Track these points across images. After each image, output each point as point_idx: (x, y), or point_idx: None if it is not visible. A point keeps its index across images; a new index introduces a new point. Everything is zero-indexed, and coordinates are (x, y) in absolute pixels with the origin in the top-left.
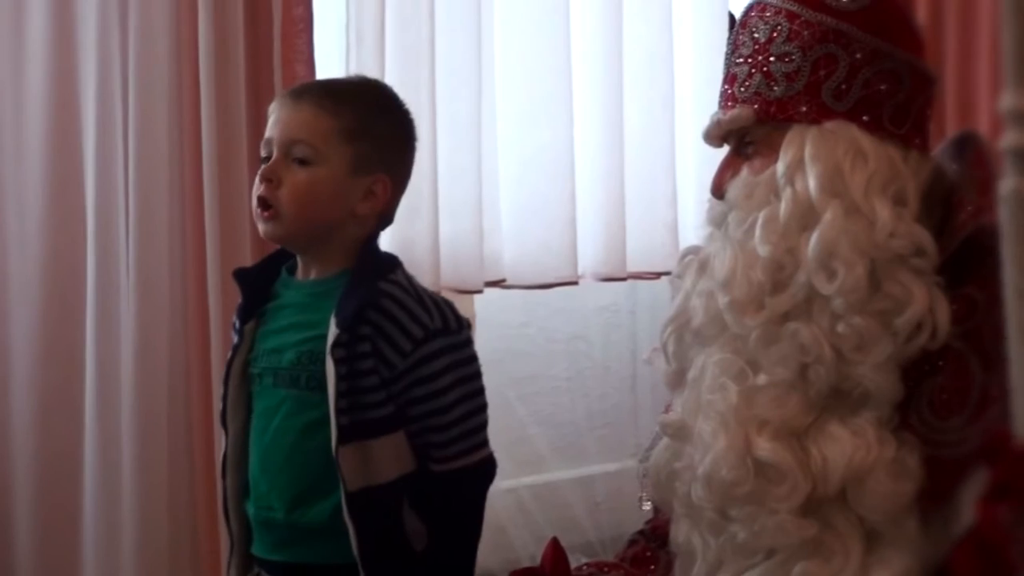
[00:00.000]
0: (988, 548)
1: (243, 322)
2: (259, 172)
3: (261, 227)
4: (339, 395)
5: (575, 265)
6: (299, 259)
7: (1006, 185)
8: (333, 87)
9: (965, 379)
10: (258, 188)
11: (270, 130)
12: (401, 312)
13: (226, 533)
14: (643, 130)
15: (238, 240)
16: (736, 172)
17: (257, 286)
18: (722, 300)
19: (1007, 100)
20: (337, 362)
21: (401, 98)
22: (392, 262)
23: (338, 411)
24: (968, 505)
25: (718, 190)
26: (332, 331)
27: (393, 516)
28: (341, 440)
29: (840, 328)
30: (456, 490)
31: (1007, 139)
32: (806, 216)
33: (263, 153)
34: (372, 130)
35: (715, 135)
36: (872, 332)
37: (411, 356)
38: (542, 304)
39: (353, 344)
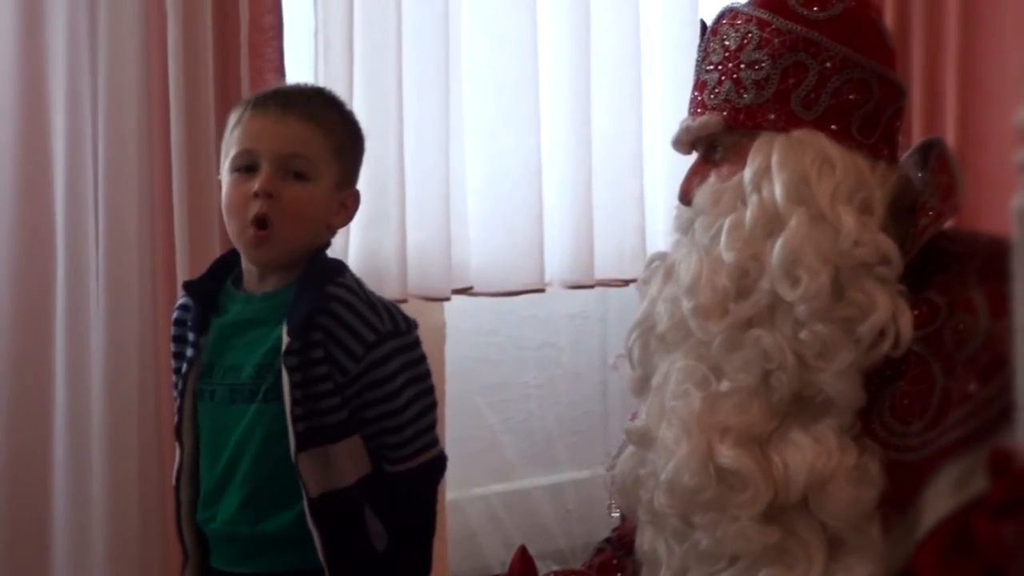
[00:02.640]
0: (966, 557)
1: (198, 334)
2: (246, 187)
3: (253, 252)
4: (294, 402)
5: (542, 272)
6: (250, 270)
7: (1018, 201)
8: (318, 98)
9: (926, 384)
10: (252, 205)
11: (251, 141)
12: (352, 316)
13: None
14: (611, 135)
15: (207, 246)
16: (704, 178)
17: (209, 298)
18: (686, 305)
19: (1021, 115)
20: (291, 370)
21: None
22: (339, 266)
23: (294, 418)
24: (930, 509)
25: (686, 196)
26: (284, 339)
27: (355, 519)
28: (299, 447)
29: (803, 335)
30: (413, 488)
31: (1021, 154)
32: (771, 223)
33: (239, 163)
34: (354, 146)
35: (684, 141)
36: (835, 339)
37: (364, 360)
38: (512, 311)
39: (306, 351)
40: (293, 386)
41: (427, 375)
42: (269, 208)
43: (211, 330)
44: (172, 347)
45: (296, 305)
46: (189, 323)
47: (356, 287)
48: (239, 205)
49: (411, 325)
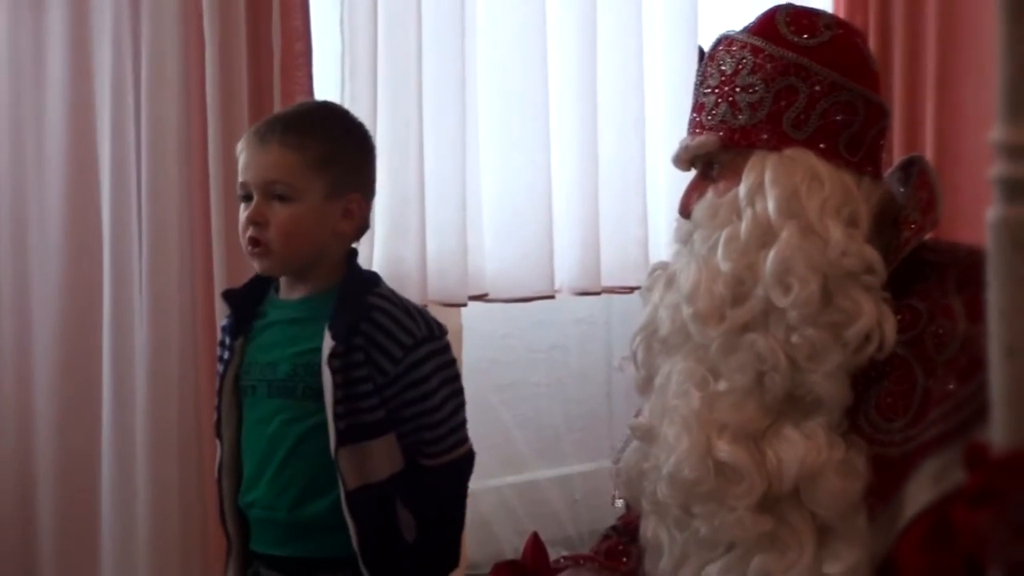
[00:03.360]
0: (945, 545)
1: (233, 338)
2: (245, 215)
3: (256, 264)
4: (336, 402)
5: (552, 280)
6: (283, 279)
7: (993, 213)
8: (292, 122)
9: (908, 383)
10: (246, 230)
11: (243, 173)
12: (391, 323)
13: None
14: (616, 155)
15: (241, 257)
16: (702, 194)
17: (245, 305)
18: (687, 311)
19: (996, 134)
20: (334, 372)
21: (353, 114)
22: (374, 277)
23: (336, 416)
24: (912, 500)
25: (685, 210)
26: (327, 343)
27: (388, 510)
28: (340, 443)
29: (794, 339)
30: (446, 481)
31: (995, 170)
32: (765, 235)
33: (240, 193)
34: (338, 156)
35: (683, 159)
36: (824, 343)
37: (403, 362)
38: (523, 316)
39: (348, 354)
40: (336, 387)
41: (458, 376)
42: (258, 233)
43: (252, 332)
44: (217, 351)
45: (338, 312)
46: (227, 329)
47: (393, 296)
48: (243, 230)
49: (443, 330)
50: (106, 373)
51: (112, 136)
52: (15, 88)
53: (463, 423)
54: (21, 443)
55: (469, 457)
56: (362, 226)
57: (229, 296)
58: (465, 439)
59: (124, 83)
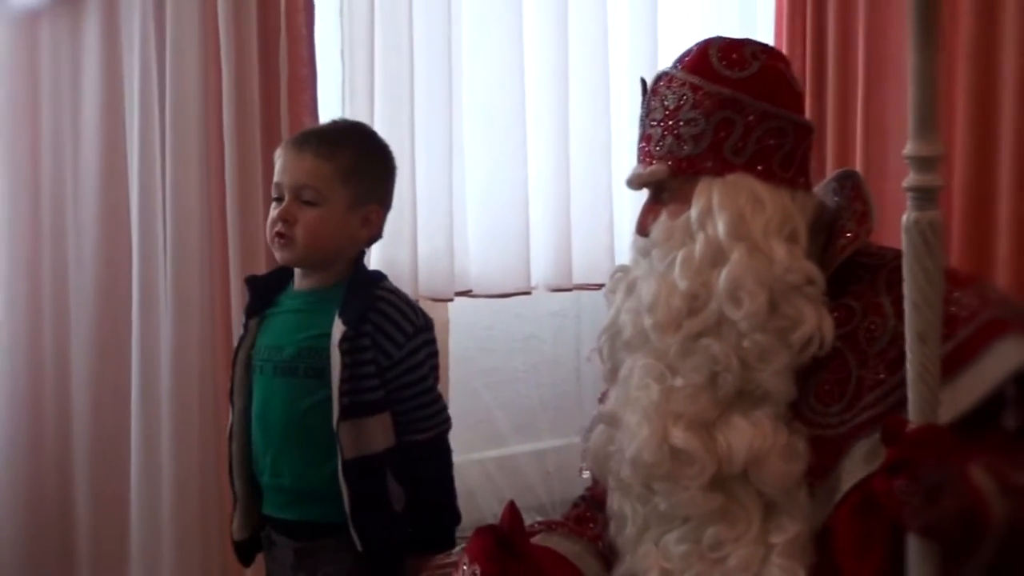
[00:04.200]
0: (872, 514)
1: (248, 318)
2: (275, 212)
3: (277, 254)
4: (342, 380)
5: (529, 278)
6: (296, 272)
7: (907, 217)
8: (327, 136)
9: (844, 373)
10: (275, 226)
11: (278, 175)
12: (396, 313)
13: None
14: (585, 171)
15: (254, 252)
16: (656, 216)
17: (265, 292)
18: (647, 321)
19: (909, 147)
20: (343, 353)
21: (380, 136)
22: (379, 275)
23: (341, 393)
24: (846, 476)
25: (643, 230)
26: (338, 329)
27: (379, 481)
28: (342, 417)
29: (745, 343)
30: (435, 452)
31: (908, 180)
32: (716, 256)
33: (274, 194)
34: (363, 170)
35: (636, 184)
36: (771, 346)
37: (404, 348)
38: (504, 310)
39: (356, 339)
40: (343, 367)
41: (438, 360)
42: (286, 229)
43: (266, 318)
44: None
45: (348, 302)
46: (246, 309)
47: (396, 291)
48: (271, 225)
49: (432, 322)
50: (135, 354)
51: (140, 148)
52: (55, 106)
53: (443, 401)
54: (61, 416)
55: (448, 429)
56: (376, 235)
57: (250, 281)
58: (448, 416)
59: (151, 103)
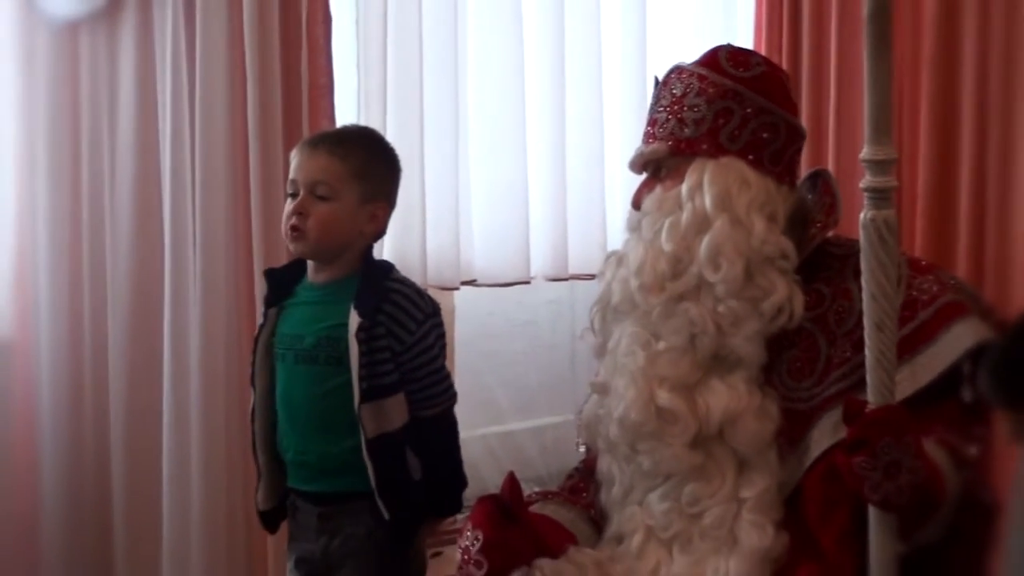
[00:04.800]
0: (838, 480)
1: (267, 307)
2: (291, 206)
3: (291, 246)
4: (361, 367)
5: (528, 269)
6: (311, 265)
7: (863, 215)
8: (340, 138)
9: (813, 352)
10: (290, 219)
11: (294, 172)
12: (407, 303)
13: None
14: (580, 172)
15: (276, 247)
16: (651, 190)
17: (282, 283)
18: (634, 283)
19: (865, 152)
20: (360, 342)
21: (388, 141)
22: (389, 266)
23: (360, 379)
24: (815, 445)
25: (637, 202)
26: (355, 320)
27: (399, 454)
28: (362, 400)
29: (721, 308)
30: (445, 424)
31: (864, 181)
32: (701, 224)
33: (289, 190)
34: (373, 170)
35: (638, 164)
36: (744, 312)
37: (416, 334)
38: (505, 298)
39: (372, 328)
40: (361, 355)
41: (445, 340)
42: (300, 222)
43: (285, 308)
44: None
45: (362, 295)
46: (265, 300)
47: (405, 280)
48: (286, 218)
49: (438, 307)
50: (166, 339)
51: (172, 149)
52: (94, 112)
53: (451, 379)
54: (99, 394)
55: (454, 403)
56: (381, 231)
57: (268, 274)
58: (454, 392)
59: (181, 109)
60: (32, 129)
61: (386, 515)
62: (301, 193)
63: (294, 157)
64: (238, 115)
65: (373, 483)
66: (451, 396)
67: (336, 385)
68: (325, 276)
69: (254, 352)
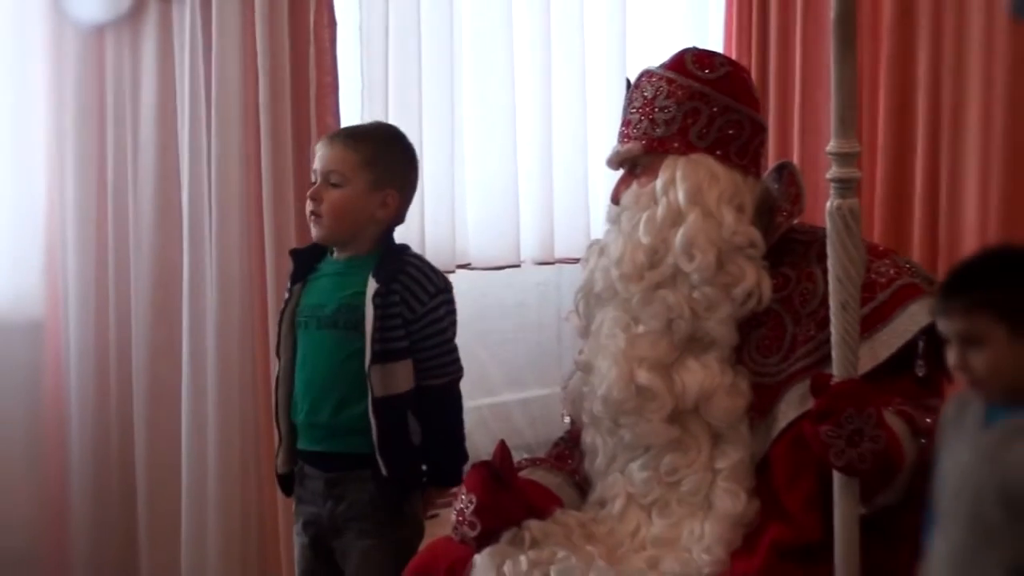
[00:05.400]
0: (804, 448)
1: (292, 284)
2: (308, 194)
3: (312, 230)
4: (374, 330)
5: (518, 254)
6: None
7: (829, 204)
8: (355, 132)
9: (780, 331)
10: (308, 205)
11: (315, 163)
12: (421, 276)
13: (275, 432)
14: (566, 163)
15: (285, 234)
16: (628, 186)
17: (305, 261)
18: (615, 273)
19: (832, 145)
20: (376, 307)
21: (406, 137)
22: (405, 247)
23: (373, 341)
24: (782, 416)
25: (616, 198)
26: (372, 286)
27: (401, 417)
28: (373, 361)
29: (695, 295)
30: (450, 393)
31: (831, 172)
32: (675, 218)
33: (313, 179)
34: (382, 160)
35: (615, 161)
36: (717, 298)
37: (428, 304)
38: (497, 280)
39: (387, 295)
40: (375, 318)
41: (456, 318)
42: (315, 207)
43: (308, 283)
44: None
45: (381, 265)
46: (290, 276)
47: (421, 258)
48: (308, 205)
49: (450, 285)
50: (185, 316)
51: (190, 145)
52: (118, 111)
53: (458, 353)
54: (122, 371)
55: (460, 377)
56: (396, 217)
57: (293, 253)
58: (460, 366)
59: (198, 107)
60: (61, 126)
61: (384, 471)
62: (318, 181)
63: (316, 150)
64: (250, 112)
65: (375, 440)
66: (457, 369)
67: (352, 351)
68: (347, 252)
69: (280, 324)
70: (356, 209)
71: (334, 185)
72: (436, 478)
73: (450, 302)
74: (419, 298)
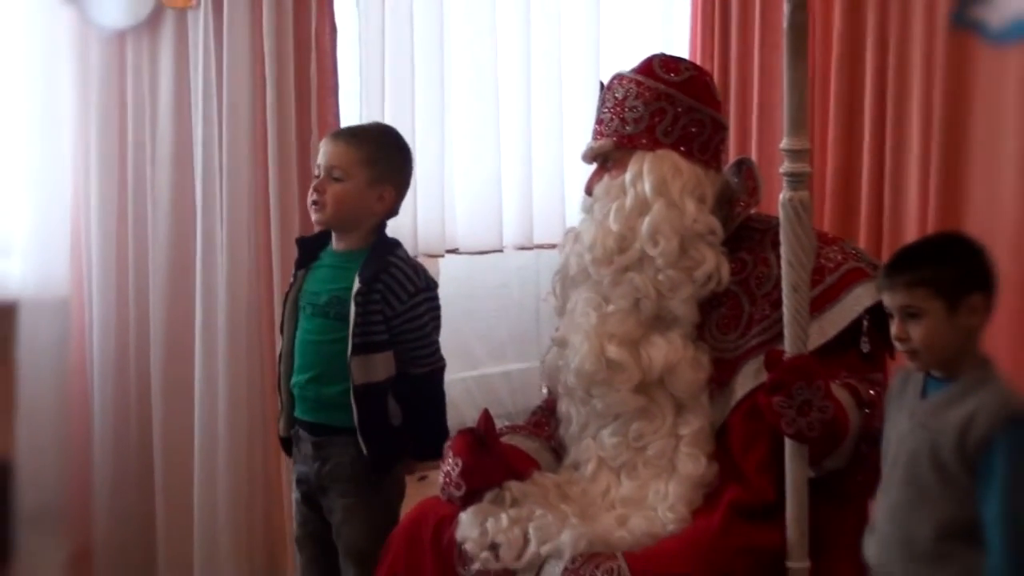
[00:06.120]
0: (759, 417)
1: (297, 269)
2: (312, 185)
3: (312, 216)
4: (356, 324)
5: (501, 239)
6: (334, 235)
7: (783, 196)
8: (357, 131)
9: (737, 310)
10: (311, 195)
11: (319, 159)
12: (403, 276)
13: (278, 400)
14: (544, 158)
15: (290, 223)
16: (600, 179)
17: (310, 249)
18: (587, 257)
19: (784, 142)
20: (357, 304)
21: (403, 137)
22: (396, 243)
23: (354, 335)
24: (739, 387)
25: (589, 189)
26: (356, 285)
27: (381, 401)
28: (353, 353)
29: (660, 277)
30: (428, 383)
31: (784, 167)
32: (642, 207)
33: (315, 173)
34: (381, 158)
35: (589, 156)
36: (680, 280)
37: (407, 303)
38: (481, 264)
39: (369, 294)
40: (357, 314)
41: (440, 315)
42: (319, 198)
43: (311, 270)
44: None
45: (366, 265)
46: (296, 262)
47: (407, 258)
48: (310, 195)
49: (434, 284)
50: (198, 296)
51: (203, 141)
52: (137, 110)
53: (439, 345)
54: (140, 344)
55: (442, 368)
56: (391, 211)
57: (299, 241)
58: (441, 357)
59: (211, 106)
60: (86, 122)
61: (364, 451)
62: (321, 175)
63: (320, 146)
64: (258, 112)
65: (356, 423)
66: (437, 360)
67: (338, 337)
68: (343, 245)
69: (284, 305)
70: (355, 202)
71: (336, 179)
72: (416, 451)
73: (431, 300)
74: (399, 296)
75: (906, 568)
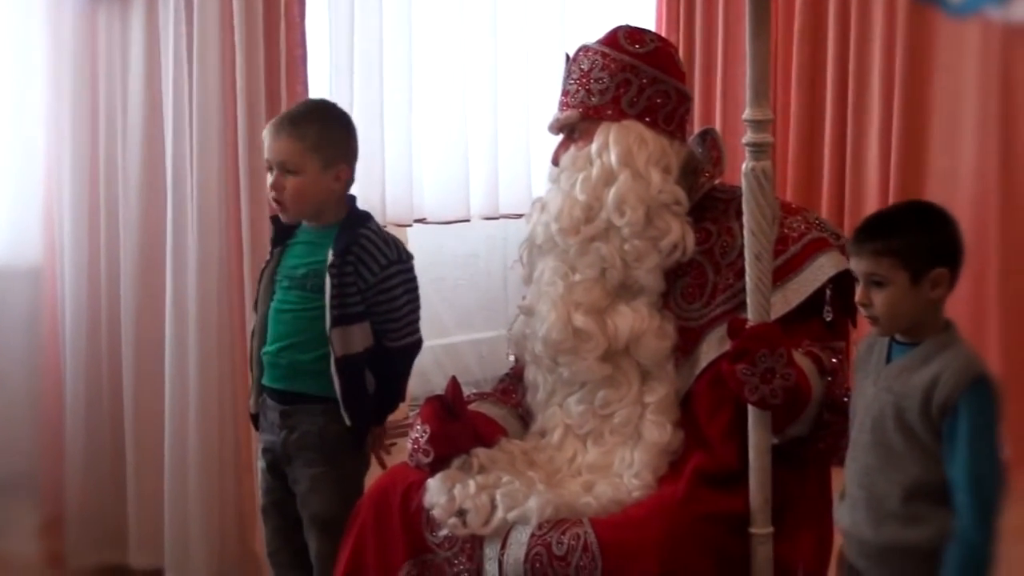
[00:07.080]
0: (723, 385)
1: (273, 247)
2: (269, 182)
3: (280, 214)
4: (332, 297)
5: (469, 209)
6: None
7: (746, 166)
8: (295, 118)
9: (702, 279)
10: (271, 194)
11: (266, 153)
12: (374, 248)
13: (249, 375)
14: (510, 129)
15: (260, 206)
16: (567, 149)
17: (285, 227)
18: (554, 227)
19: (747, 113)
20: (332, 276)
21: (339, 107)
22: (367, 216)
23: (331, 307)
24: (704, 356)
25: (556, 160)
26: (330, 258)
27: (360, 372)
28: (333, 324)
29: (626, 247)
30: (400, 357)
31: (746, 137)
32: (608, 178)
33: (267, 166)
34: (327, 139)
35: (555, 127)
36: (646, 249)
37: (379, 275)
38: (449, 233)
39: (342, 266)
40: (332, 287)
41: (416, 287)
42: (278, 196)
43: (287, 246)
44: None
45: (339, 238)
46: (271, 240)
47: (378, 230)
48: (269, 194)
49: (409, 256)
50: (168, 267)
51: (174, 113)
52: (108, 83)
53: (416, 319)
54: (111, 313)
55: (418, 343)
56: (349, 182)
57: (274, 219)
58: (417, 331)
59: (181, 78)
60: (58, 92)
61: (348, 421)
62: (274, 171)
63: (264, 138)
64: (228, 81)
65: (339, 394)
66: (411, 333)
67: (314, 308)
68: (317, 223)
69: (259, 282)
70: (314, 190)
71: (290, 172)
72: (377, 416)
73: (405, 272)
74: (371, 268)
75: (876, 531)
